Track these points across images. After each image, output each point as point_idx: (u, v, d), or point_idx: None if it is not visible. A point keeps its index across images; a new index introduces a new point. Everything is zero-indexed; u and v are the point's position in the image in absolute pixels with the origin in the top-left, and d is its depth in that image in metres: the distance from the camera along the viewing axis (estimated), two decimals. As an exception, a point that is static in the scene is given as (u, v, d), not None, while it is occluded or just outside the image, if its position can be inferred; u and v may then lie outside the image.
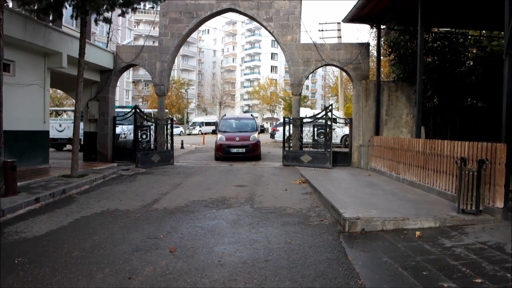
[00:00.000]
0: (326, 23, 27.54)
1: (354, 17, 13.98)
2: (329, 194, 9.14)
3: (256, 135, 18.93)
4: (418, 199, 8.76)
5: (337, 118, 18.51)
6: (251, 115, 23.22)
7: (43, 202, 8.76)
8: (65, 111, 26.26)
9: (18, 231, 6.61)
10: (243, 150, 18.02)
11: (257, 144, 18.53)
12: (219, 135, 18.89)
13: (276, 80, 77.72)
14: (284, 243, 6.11)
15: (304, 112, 25.74)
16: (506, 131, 7.03)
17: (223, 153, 18.18)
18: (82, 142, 17.32)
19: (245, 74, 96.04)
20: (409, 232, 6.60)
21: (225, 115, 22.28)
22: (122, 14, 12.27)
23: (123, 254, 5.53)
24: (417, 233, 6.45)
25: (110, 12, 11.74)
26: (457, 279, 4.63)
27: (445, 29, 15.98)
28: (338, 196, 9.00)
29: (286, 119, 16.74)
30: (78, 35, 12.83)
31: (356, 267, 5.11)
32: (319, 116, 15.89)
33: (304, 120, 16.40)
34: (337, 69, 24.07)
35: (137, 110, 15.99)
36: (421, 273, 4.85)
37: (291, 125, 16.32)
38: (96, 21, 12.11)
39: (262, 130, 21.53)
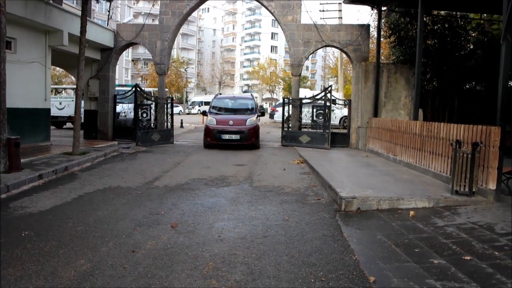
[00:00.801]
0: (327, 3, 27.41)
1: (356, -2, 13.99)
2: (327, 174, 9.32)
3: (254, 118, 15.57)
4: (413, 180, 8.95)
5: (336, 100, 18.62)
6: (251, 94, 19.54)
7: (46, 179, 8.93)
8: (65, 89, 26.32)
9: (23, 206, 6.79)
10: (238, 136, 14.89)
11: (255, 130, 15.24)
12: (209, 117, 15.64)
13: (276, 60, 77.36)
14: (282, 220, 6.30)
15: (304, 93, 25.84)
16: (501, 114, 7.17)
17: (212, 139, 15.08)
18: (83, 120, 17.43)
19: (245, 54, 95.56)
20: (404, 212, 6.80)
21: (219, 94, 19.25)
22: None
23: (126, 229, 5.72)
24: (411, 212, 6.65)
25: (111, -10, 11.73)
26: (447, 256, 4.82)
27: (446, 11, 15.97)
28: (335, 176, 9.18)
29: (285, 99, 16.84)
30: (79, 12, 12.85)
31: (351, 244, 5.31)
32: (318, 97, 15.99)
33: (304, 101, 16.51)
34: (337, 50, 24.03)
35: (138, 88, 16.06)
36: (413, 250, 5.05)
37: (290, 106, 16.43)
38: (97, -1, 12.10)
39: (263, 113, 18.54)
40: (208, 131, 15.23)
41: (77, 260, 4.55)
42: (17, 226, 5.70)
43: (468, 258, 4.74)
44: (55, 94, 24.60)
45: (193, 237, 5.42)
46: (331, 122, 16.20)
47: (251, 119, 15.35)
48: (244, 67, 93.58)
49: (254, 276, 4.27)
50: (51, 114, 15.50)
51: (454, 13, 15.73)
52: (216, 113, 15.92)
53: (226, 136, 14.91)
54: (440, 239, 5.41)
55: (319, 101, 15.85)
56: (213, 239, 5.34)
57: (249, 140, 14.97)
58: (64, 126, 24.21)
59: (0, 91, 8.57)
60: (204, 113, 16.79)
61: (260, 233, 5.66)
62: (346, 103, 17.08)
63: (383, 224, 6.20)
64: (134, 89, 16.07)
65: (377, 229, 5.93)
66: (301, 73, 16.87)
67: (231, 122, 15.08)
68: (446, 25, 15.44)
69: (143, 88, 18.43)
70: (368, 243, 5.43)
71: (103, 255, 4.74)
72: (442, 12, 15.78)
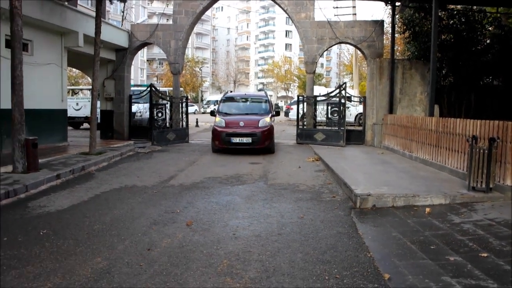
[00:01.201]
0: (340, 0, 27.23)
1: (369, -6, 13.88)
2: (342, 171, 9.29)
3: (268, 119, 13.77)
4: (429, 176, 8.87)
5: (352, 97, 18.51)
6: (264, 92, 16.90)
7: (64, 178, 9.07)
8: (81, 89, 26.61)
9: (42, 206, 6.91)
10: (249, 139, 13.18)
11: (269, 132, 13.48)
12: (217, 118, 13.88)
13: (290, 58, 77.18)
14: (297, 218, 6.30)
15: (319, 90, 25.76)
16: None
17: (221, 143, 13.42)
18: (99, 121, 17.64)
19: (259, 52, 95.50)
20: (419, 209, 6.74)
21: (229, 91, 16.56)
22: (137, -7, 12.36)
23: (142, 227, 5.78)
24: (427, 209, 6.59)
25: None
26: (463, 253, 4.77)
27: (462, 6, 15.76)
28: (350, 173, 9.14)
29: (300, 97, 16.81)
30: (93, 14, 12.99)
31: (365, 241, 5.29)
32: (332, 94, 15.93)
33: (318, 99, 16.46)
34: (352, 47, 23.89)
35: (153, 88, 16.18)
36: (429, 247, 5.01)
37: (305, 104, 16.40)
38: (111, 0, 12.23)
39: (278, 112, 17.12)
40: (216, 134, 13.44)
41: (94, 258, 4.62)
42: (35, 225, 5.81)
43: (485, 255, 4.68)
44: (72, 95, 24.90)
45: (208, 235, 5.46)
46: (346, 119, 16.10)
47: (265, 120, 13.57)
48: (258, 65, 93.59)
49: (268, 273, 4.29)
50: (68, 115, 15.73)
51: (470, 7, 15.51)
52: (226, 114, 14.16)
53: (237, 140, 13.14)
54: (456, 236, 5.35)
55: (334, 99, 15.78)
56: (227, 237, 5.37)
57: (262, 143, 13.23)
58: (81, 127, 24.51)
59: (17, 93, 8.71)
60: (212, 113, 14.82)
61: (275, 230, 5.67)
62: (361, 100, 16.98)
63: (399, 221, 6.16)
64: (149, 89, 16.19)
65: (392, 226, 5.89)
66: (315, 70, 16.82)
67: (241, 124, 13.33)
68: (462, 20, 15.24)
69: (158, 88, 18.57)
70: (383, 240, 5.41)
71: (119, 253, 4.80)
72: (459, 7, 15.58)
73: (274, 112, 15.17)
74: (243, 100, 15.34)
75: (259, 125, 13.33)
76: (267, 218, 6.25)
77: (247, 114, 14.17)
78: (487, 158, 7.04)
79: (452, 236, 5.36)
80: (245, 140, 13.13)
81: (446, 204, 6.95)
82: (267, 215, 6.40)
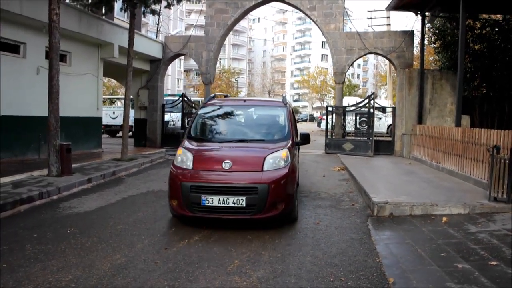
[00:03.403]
0: (375, 11, 27.19)
1: (398, 5, 13.93)
2: (364, 180, 9.34)
3: (285, 152, 6.38)
4: (453, 187, 8.81)
5: (385, 108, 18.42)
6: (283, 99, 8.08)
7: (95, 182, 9.51)
8: (118, 99, 27.49)
9: (72, 207, 7.32)
10: (241, 201, 5.81)
11: (285, 183, 6.08)
12: (180, 150, 6.75)
13: (326, 69, 77.02)
14: (313, 223, 6.44)
15: (354, 100, 25.67)
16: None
17: (183, 205, 5.98)
18: (133, 129, 18.26)
19: (295, 63, 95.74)
20: (437, 218, 6.75)
21: (213, 96, 8.53)
22: (168, 6, 12.95)
23: (162, 229, 6.07)
24: (444, 218, 6.60)
25: (157, 5, 12.35)
26: (473, 261, 4.80)
27: (498, 15, 15.51)
28: (372, 182, 9.19)
29: (329, 107, 16.90)
30: (128, 26, 13.57)
31: (377, 247, 5.38)
32: (361, 104, 15.95)
33: (347, 109, 16.51)
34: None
35: (185, 98, 16.65)
36: (439, 254, 5.05)
37: (334, 114, 16.47)
38: (144, 13, 12.77)
39: (306, 138, 7.33)
40: (173, 184, 6.27)
41: (114, 255, 4.92)
42: (64, 224, 6.19)
43: (495, 263, 4.69)
44: (109, 104, 25.80)
45: (225, 236, 5.67)
46: (378, 130, 16.07)
47: (278, 156, 6.32)
48: (294, 76, 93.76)
49: (276, 274, 4.46)
50: (105, 123, 16.37)
51: (505, 16, 15.24)
52: (200, 140, 7.15)
53: (214, 201, 5.85)
54: (469, 245, 5.36)
55: (363, 109, 15.79)
56: (242, 239, 5.57)
57: (270, 208, 5.89)
58: (117, 135, 25.29)
59: (54, 101, 9.24)
60: (178, 136, 7.80)
61: (289, 235, 5.84)
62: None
63: (414, 229, 6.20)
64: (181, 98, 16.66)
65: (406, 234, 5.95)
66: (344, 80, 16.88)
67: (227, 164, 6.10)
68: (496, 29, 15.01)
69: (191, 98, 19.04)
70: (395, 247, 5.48)
71: (137, 251, 5.08)
72: (499, 16, 15.34)
73: (299, 139, 7.63)
74: (240, 112, 7.89)
75: (265, 167, 6.12)
76: (281, 223, 6.36)
77: (243, 140, 7.04)
78: (509, 168, 6.98)
79: (465, 245, 5.37)
80: (233, 202, 5.83)
81: (465, 214, 6.92)
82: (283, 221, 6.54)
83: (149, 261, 4.76)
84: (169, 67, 19.91)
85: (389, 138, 17.64)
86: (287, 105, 7.78)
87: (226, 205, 5.81)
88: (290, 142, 6.82)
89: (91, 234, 5.73)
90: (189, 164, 6.25)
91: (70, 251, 5.05)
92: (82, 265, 4.58)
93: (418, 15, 14.58)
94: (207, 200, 5.84)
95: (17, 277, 4.24)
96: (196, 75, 73.92)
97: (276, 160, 6.21)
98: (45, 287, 4.04)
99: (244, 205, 5.81)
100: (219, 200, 5.82)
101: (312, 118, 67.30)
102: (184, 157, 6.42)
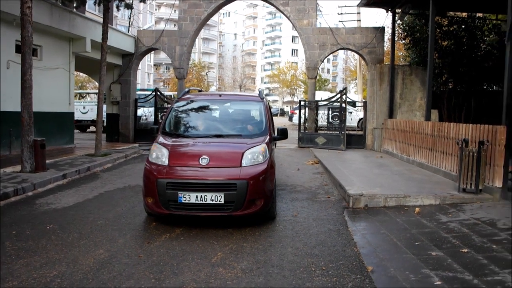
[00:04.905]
0: (345, 7, 27.54)
1: (369, 2, 14.22)
2: (338, 174, 9.56)
3: (263, 147, 6.32)
4: (423, 179, 9.12)
5: (356, 102, 18.77)
6: (259, 93, 8.09)
7: (70, 178, 9.42)
8: (88, 93, 27.06)
9: (49, 203, 7.25)
10: (219, 197, 5.68)
11: (264, 179, 5.98)
12: (155, 145, 6.46)
13: (296, 63, 77.52)
14: (291, 216, 6.60)
15: (324, 95, 26.04)
16: (507, 114, 7.31)
17: (159, 203, 5.79)
18: (105, 124, 18.03)
19: (265, 57, 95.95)
20: (410, 209, 7.01)
21: (187, 90, 8.33)
22: (143, 0, 12.75)
23: (142, 223, 6.11)
24: (417, 209, 6.86)
25: (131, -1, 12.24)
26: (445, 249, 5.04)
27: (464, 13, 16.00)
28: (346, 175, 9.41)
29: (301, 102, 17.11)
30: (101, 20, 13.40)
31: (354, 238, 5.57)
32: (333, 99, 16.22)
33: (320, 103, 16.76)
34: (356, 52, 24.13)
35: (158, 92, 16.56)
36: (413, 243, 5.28)
37: (306, 108, 16.69)
38: (117, 7, 12.63)
39: (284, 133, 7.40)
40: (148, 181, 6.02)
41: (97, 250, 4.93)
42: (42, 220, 6.14)
43: (466, 250, 4.94)
44: (79, 99, 25.35)
45: (206, 230, 5.76)
46: (349, 124, 16.38)
47: (256, 151, 6.23)
48: (265, 70, 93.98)
49: (259, 265, 4.58)
50: (75, 118, 16.12)
51: (471, 14, 15.76)
52: (176, 135, 7.00)
53: (191, 198, 5.70)
54: (441, 234, 5.61)
55: (335, 103, 16.07)
56: (224, 232, 5.67)
57: (248, 205, 5.81)
58: (88, 130, 24.93)
59: (27, 96, 9.08)
60: (151, 131, 7.49)
61: (269, 227, 5.97)
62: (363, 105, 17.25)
63: (388, 220, 6.43)
64: (154, 93, 16.56)
65: (382, 225, 6.16)
66: (316, 75, 17.11)
67: (204, 159, 5.97)
68: (462, 26, 15.51)
69: (163, 92, 18.93)
70: (371, 237, 5.68)
71: (120, 246, 5.11)
72: (464, 14, 15.82)
73: (276, 134, 7.73)
74: (217, 106, 7.84)
75: (243, 163, 6.02)
76: (262, 216, 6.48)
77: (220, 136, 6.92)
78: (477, 161, 7.30)
79: (437, 234, 5.62)
80: (210, 198, 5.71)
81: (436, 205, 7.21)
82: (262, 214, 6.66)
83: (132, 255, 4.80)
84: (140, 62, 19.69)
85: (361, 132, 17.96)
86: (264, 99, 7.79)
87: (203, 202, 5.68)
88: (268, 137, 6.79)
89: (71, 229, 5.72)
90: (164, 160, 6.05)
91: (52, 247, 5.03)
92: (65, 261, 4.59)
93: (389, 12, 14.93)
94: (184, 197, 5.69)
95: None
96: (166, 69, 73.26)
97: (254, 155, 6.11)
98: (30, 283, 4.04)
99: (223, 202, 5.67)
100: (197, 197, 5.68)
101: (282, 113, 67.79)
102: (159, 153, 6.20)
